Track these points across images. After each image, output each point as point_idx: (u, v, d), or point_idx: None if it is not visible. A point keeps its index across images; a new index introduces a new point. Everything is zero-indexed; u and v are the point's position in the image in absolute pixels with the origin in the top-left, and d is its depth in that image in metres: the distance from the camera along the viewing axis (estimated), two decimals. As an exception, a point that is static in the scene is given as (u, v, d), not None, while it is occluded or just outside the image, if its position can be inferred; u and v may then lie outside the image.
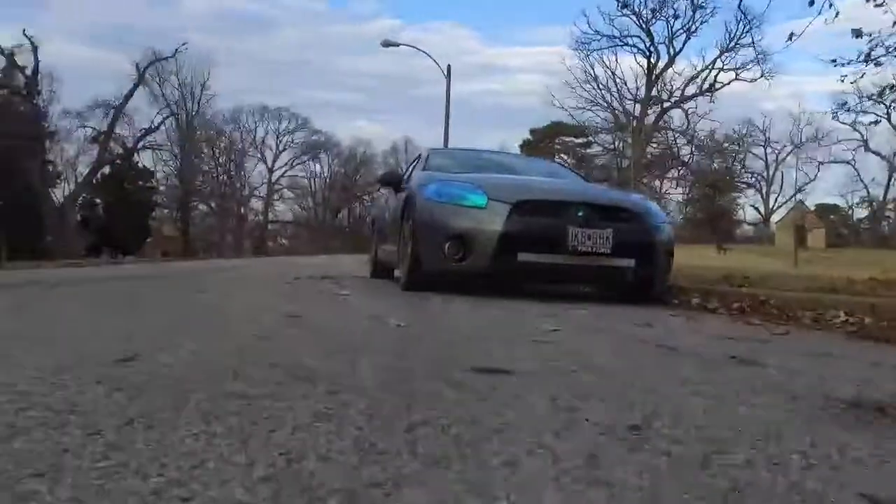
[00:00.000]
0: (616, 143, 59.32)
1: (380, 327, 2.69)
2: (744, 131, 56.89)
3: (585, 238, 4.20)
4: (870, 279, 4.80)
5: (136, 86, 32.18)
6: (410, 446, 1.05)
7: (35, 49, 30.63)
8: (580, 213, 4.33)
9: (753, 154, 61.22)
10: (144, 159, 45.46)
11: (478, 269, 4.32)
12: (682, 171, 60.81)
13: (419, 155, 6.70)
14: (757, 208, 65.35)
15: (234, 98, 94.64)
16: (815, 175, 58.33)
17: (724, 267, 14.79)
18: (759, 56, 40.86)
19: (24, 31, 31.51)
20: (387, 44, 22.46)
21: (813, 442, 1.16)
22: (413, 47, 24.04)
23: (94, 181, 38.25)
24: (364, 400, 1.35)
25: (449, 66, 22.81)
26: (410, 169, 6.57)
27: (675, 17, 40.22)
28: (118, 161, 38.99)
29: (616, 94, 48.14)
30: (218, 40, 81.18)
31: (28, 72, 31.76)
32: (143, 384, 1.43)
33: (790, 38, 5.98)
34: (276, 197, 71.17)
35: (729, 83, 44.55)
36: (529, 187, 4.70)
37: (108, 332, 2.41)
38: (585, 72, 46.47)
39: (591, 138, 65.03)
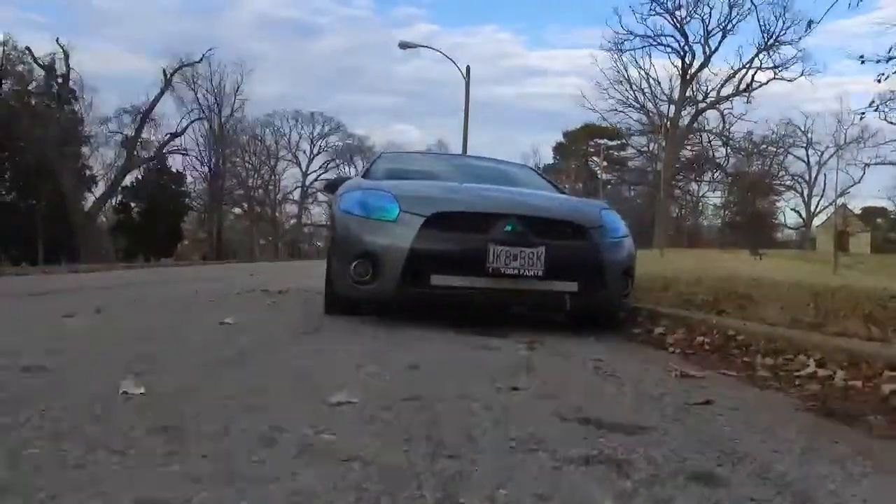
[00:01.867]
0: (650, 146, 58.21)
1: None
2: (783, 133, 54.96)
3: (510, 258, 3.56)
4: None
5: (162, 91, 32.48)
6: None
7: (66, 56, 31.21)
8: (508, 228, 3.67)
9: (794, 156, 59.24)
10: (176, 164, 46.06)
11: (384, 295, 3.74)
12: (717, 174, 59.37)
13: (375, 156, 6.14)
14: (798, 212, 63.31)
15: (274, 104, 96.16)
16: (861, 177, 56.03)
17: (748, 277, 14.03)
18: (800, 53, 39.43)
19: (57, 39, 32.10)
20: (404, 45, 22.23)
21: None
22: (430, 48, 23.70)
23: (122, 186, 38.80)
24: None
25: (468, 67, 22.45)
26: (362, 170, 5.95)
27: (711, 9, 38.95)
28: (148, 165, 39.48)
29: (650, 95, 47.18)
30: (261, 47, 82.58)
31: (61, 80, 32.35)
32: None
33: (809, 27, 5.37)
34: (310, 200, 71.73)
35: (767, 83, 43.22)
36: (454, 196, 4.03)
37: None
38: (618, 72, 45.67)
39: (625, 140, 63.96)
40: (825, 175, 60.12)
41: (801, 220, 63.52)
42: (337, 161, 70.73)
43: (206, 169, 52.14)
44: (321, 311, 4.36)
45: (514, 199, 4.11)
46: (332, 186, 5.56)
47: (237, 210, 61.52)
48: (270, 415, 1.70)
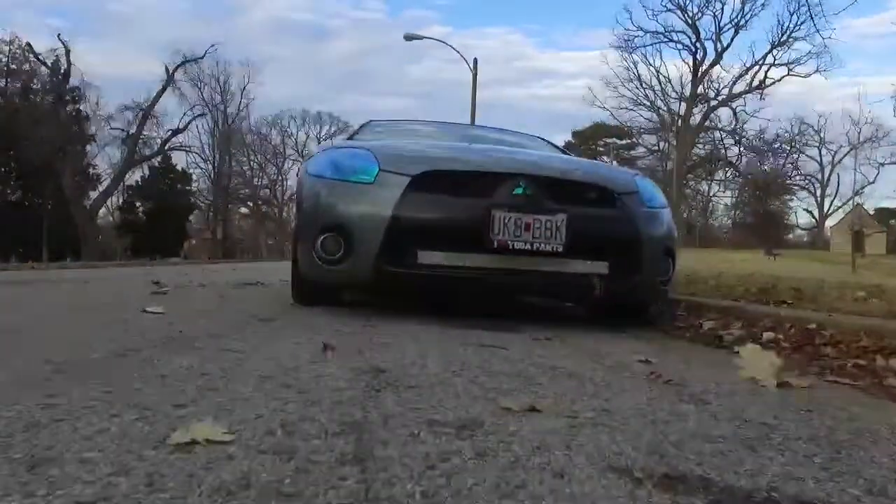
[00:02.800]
0: (660, 144, 57.19)
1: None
2: (796, 131, 53.85)
3: (519, 228, 2.74)
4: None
5: (164, 87, 31.83)
6: None
7: (67, 52, 30.63)
8: (517, 191, 2.85)
9: (807, 156, 58.06)
10: (180, 162, 45.58)
11: (359, 276, 2.93)
12: (729, 173, 58.26)
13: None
14: (810, 212, 62.13)
15: (284, 105, 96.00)
16: (875, 177, 54.79)
17: (771, 275, 13.24)
18: (815, 49, 38.41)
19: (58, 35, 31.56)
20: (409, 37, 21.51)
21: None
22: (436, 40, 23.02)
23: (128, 185, 38.30)
24: None
25: (475, 59, 21.72)
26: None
27: (723, 5, 38.04)
28: (153, 164, 38.94)
29: (660, 93, 46.25)
30: (274, 50, 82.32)
31: (62, 77, 31.80)
32: None
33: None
34: (315, 200, 71.31)
35: (780, 79, 42.21)
36: (448, 155, 3.19)
37: None
38: (628, 69, 44.80)
39: (634, 139, 63.03)
40: (838, 174, 59.06)
41: (813, 220, 62.35)
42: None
43: (211, 167, 51.66)
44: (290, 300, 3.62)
45: (525, 159, 3.26)
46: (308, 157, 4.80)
47: (243, 209, 61.03)
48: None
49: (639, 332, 3.03)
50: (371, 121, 4.90)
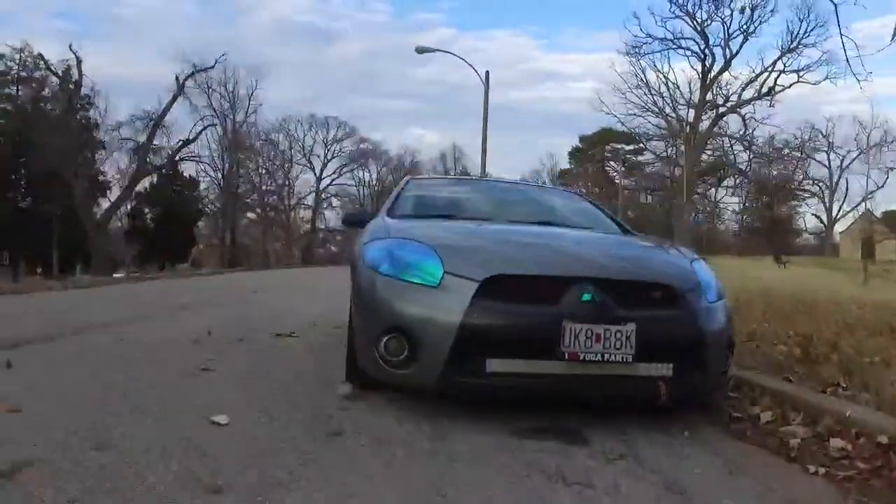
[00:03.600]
0: (668, 150, 57.03)
1: None
2: (806, 137, 53.61)
3: (590, 339, 2.73)
4: None
5: (175, 97, 31.96)
6: None
7: (79, 63, 30.78)
8: (585, 298, 2.82)
9: (816, 161, 57.79)
10: (188, 169, 45.75)
11: (424, 384, 2.90)
12: (738, 180, 58.08)
13: (400, 183, 5.06)
14: (819, 217, 61.82)
15: (290, 107, 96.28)
16: (885, 181, 54.52)
17: (787, 290, 13.11)
18: (825, 56, 38.26)
19: (70, 45, 31.70)
20: (421, 50, 21.58)
21: None
22: (448, 52, 23.02)
23: (136, 192, 38.47)
24: None
25: (487, 72, 21.80)
26: (386, 203, 4.76)
27: (732, 11, 37.93)
28: (162, 171, 39.11)
29: (668, 100, 46.14)
30: (279, 52, 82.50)
31: (73, 86, 31.96)
32: None
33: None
34: (324, 206, 71.46)
35: (790, 86, 42.03)
36: (509, 250, 3.16)
37: None
38: (637, 76, 44.70)
39: (642, 144, 62.88)
40: (847, 179, 58.78)
41: (821, 224, 62.08)
42: (352, 166, 70.40)
43: (220, 174, 51.81)
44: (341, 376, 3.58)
45: (590, 254, 3.21)
46: (352, 221, 4.72)
47: (251, 215, 61.16)
48: None
49: (703, 433, 3.00)
50: (409, 180, 4.88)
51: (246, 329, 5.92)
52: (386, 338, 2.92)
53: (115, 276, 36.17)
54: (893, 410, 2.86)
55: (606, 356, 2.76)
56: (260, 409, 3.05)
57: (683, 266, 3.33)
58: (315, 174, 68.07)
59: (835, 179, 58.77)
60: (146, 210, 48.77)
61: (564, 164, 74.95)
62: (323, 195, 69.79)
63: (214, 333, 5.46)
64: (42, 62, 33.22)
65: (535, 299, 2.87)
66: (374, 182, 74.59)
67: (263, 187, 59.47)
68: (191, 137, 35.80)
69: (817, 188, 59.91)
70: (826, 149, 56.99)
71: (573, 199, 4.97)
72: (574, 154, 73.91)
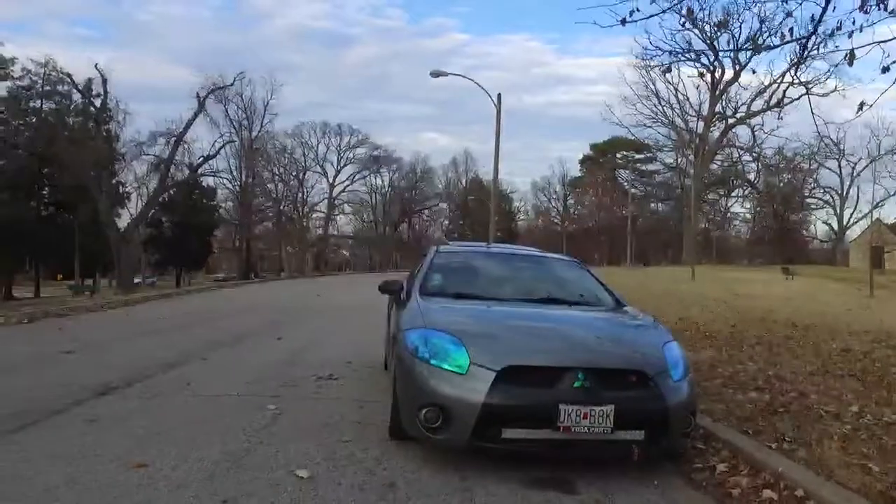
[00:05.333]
0: (678, 161, 57.71)
1: None
2: (815, 148, 53.83)
3: (580, 417, 3.63)
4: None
5: (196, 115, 33.04)
6: None
7: (104, 82, 31.80)
8: (576, 384, 3.73)
9: (827, 168, 58.05)
10: (206, 178, 46.88)
11: (456, 445, 3.82)
12: (747, 190, 58.67)
13: (429, 252, 6.06)
14: (829, 224, 62.09)
15: (304, 112, 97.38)
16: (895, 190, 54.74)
17: (788, 310, 13.65)
18: (833, 68, 38.68)
19: (96, 65, 32.76)
20: (436, 74, 22.35)
21: None
22: (463, 77, 23.80)
23: (158, 203, 39.62)
24: None
25: (499, 95, 22.49)
26: (416, 272, 5.84)
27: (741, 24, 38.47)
28: (176, 187, 40.37)
29: (678, 111, 46.86)
30: (294, 58, 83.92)
31: (98, 103, 33.05)
32: None
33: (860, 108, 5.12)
34: (336, 212, 72.48)
35: (799, 98, 42.54)
36: (520, 340, 4.12)
37: None
38: (646, 87, 45.44)
39: (652, 153, 63.48)
40: (858, 187, 59.03)
41: (833, 233, 62.34)
42: (365, 172, 71.47)
43: (238, 187, 52.87)
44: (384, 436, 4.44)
45: (583, 340, 4.16)
46: (389, 290, 5.72)
47: (266, 224, 62.20)
48: None
49: (669, 483, 3.80)
50: (438, 251, 5.79)
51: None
52: (425, 409, 3.84)
53: (135, 281, 37.43)
54: (820, 467, 3.65)
55: (591, 429, 3.66)
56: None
57: (654, 352, 4.17)
58: (328, 180, 69.25)
59: (846, 187, 59.12)
60: (164, 219, 50.03)
61: (575, 171, 75.71)
62: (336, 202, 70.98)
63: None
64: (67, 77, 34.28)
65: (539, 384, 3.78)
66: (386, 188, 75.93)
67: (278, 196, 60.53)
68: (211, 153, 36.90)
69: (828, 197, 60.25)
70: (837, 157, 57.23)
71: (572, 269, 5.88)
72: (584, 162, 74.76)
